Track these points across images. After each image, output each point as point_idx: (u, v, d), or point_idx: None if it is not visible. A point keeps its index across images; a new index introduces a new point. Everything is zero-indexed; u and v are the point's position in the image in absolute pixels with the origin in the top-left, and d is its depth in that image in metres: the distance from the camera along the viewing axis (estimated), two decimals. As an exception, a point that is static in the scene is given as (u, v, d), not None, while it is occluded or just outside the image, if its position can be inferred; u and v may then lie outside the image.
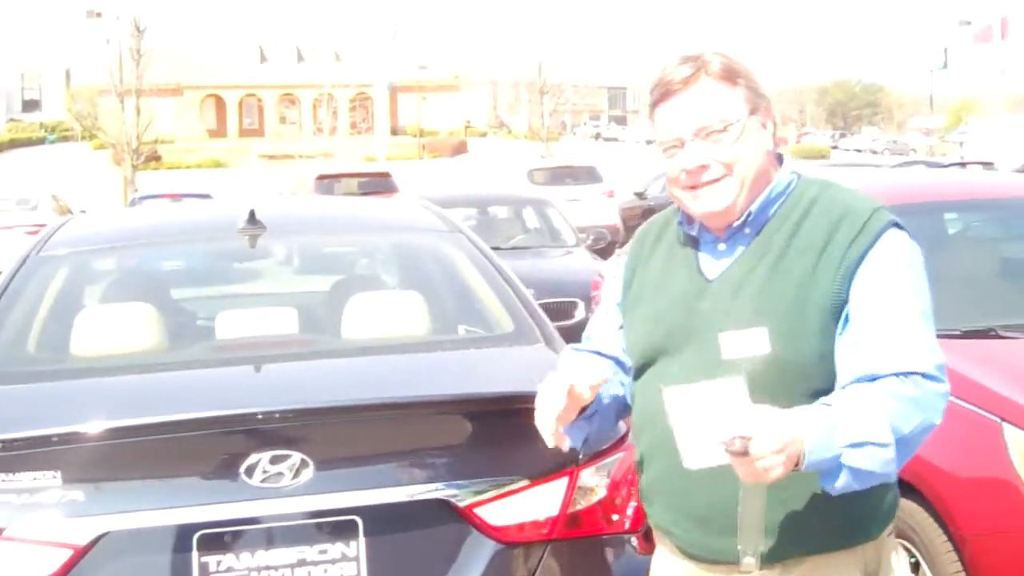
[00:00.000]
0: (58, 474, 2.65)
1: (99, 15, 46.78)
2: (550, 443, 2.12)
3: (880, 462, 1.96)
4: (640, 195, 23.60)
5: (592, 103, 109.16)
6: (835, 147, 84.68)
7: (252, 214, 3.91)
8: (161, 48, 49.74)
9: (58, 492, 2.65)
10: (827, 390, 2.07)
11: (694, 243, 2.27)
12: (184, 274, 5.19)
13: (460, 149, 74.36)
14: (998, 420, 3.44)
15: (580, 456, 2.80)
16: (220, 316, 3.98)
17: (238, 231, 3.94)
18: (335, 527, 2.73)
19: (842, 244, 2.11)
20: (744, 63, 2.23)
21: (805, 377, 2.09)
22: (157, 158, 58.87)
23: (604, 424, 2.39)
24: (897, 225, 2.15)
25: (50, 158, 66.71)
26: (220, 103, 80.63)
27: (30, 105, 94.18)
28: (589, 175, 23.41)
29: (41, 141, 79.56)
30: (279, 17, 77.98)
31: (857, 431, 1.93)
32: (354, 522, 2.73)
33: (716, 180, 2.15)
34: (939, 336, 2.11)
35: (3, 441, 2.69)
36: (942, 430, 2.09)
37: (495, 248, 9.97)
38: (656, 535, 2.38)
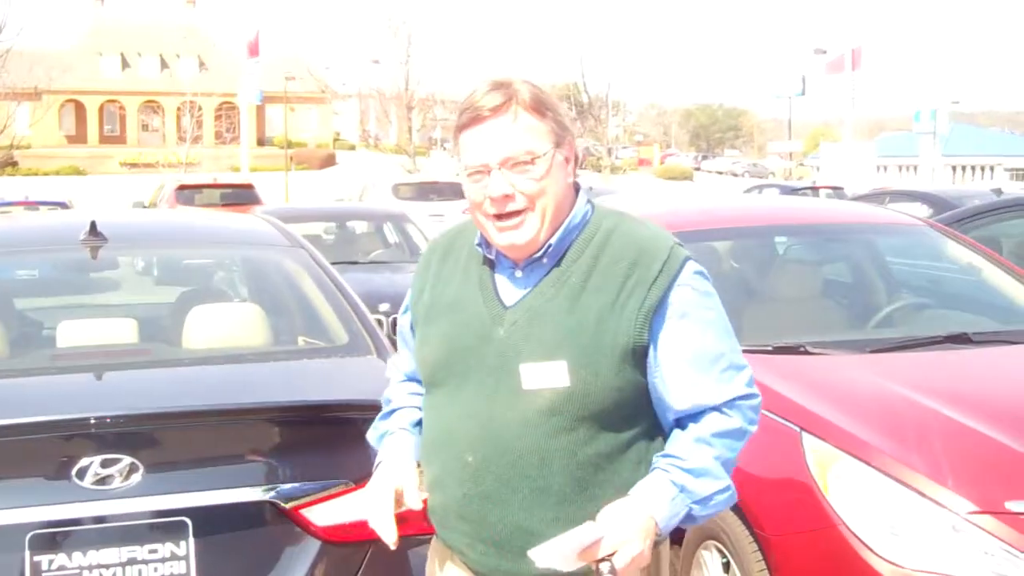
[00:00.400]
0: None
1: (-48, 14, 45.15)
2: (393, 546, 2.23)
3: (723, 502, 2.20)
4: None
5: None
6: (698, 168, 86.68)
7: (93, 225, 3.97)
8: (18, 50, 48.24)
9: None
10: (621, 421, 2.18)
11: (491, 265, 2.28)
12: (26, 283, 5.18)
13: (328, 162, 73.59)
14: (798, 429, 3.69)
15: None
16: (61, 325, 4.01)
17: (79, 242, 3.99)
18: (165, 527, 2.83)
19: (642, 285, 2.16)
20: (551, 96, 2.24)
21: (601, 410, 2.15)
22: (13, 164, 57.01)
23: None
24: (689, 258, 2.24)
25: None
26: (80, 108, 78.07)
27: None
28: (454, 191, 23.50)
29: None
30: (142, 23, 75.88)
31: (699, 489, 2.15)
32: (184, 523, 2.83)
33: (519, 212, 2.16)
34: (751, 352, 2.29)
35: None
36: (750, 439, 2.27)
37: (353, 262, 10.13)
38: (442, 551, 2.38)
